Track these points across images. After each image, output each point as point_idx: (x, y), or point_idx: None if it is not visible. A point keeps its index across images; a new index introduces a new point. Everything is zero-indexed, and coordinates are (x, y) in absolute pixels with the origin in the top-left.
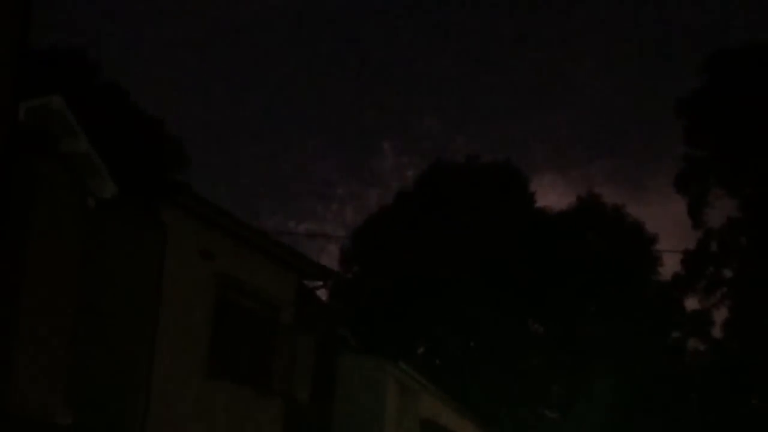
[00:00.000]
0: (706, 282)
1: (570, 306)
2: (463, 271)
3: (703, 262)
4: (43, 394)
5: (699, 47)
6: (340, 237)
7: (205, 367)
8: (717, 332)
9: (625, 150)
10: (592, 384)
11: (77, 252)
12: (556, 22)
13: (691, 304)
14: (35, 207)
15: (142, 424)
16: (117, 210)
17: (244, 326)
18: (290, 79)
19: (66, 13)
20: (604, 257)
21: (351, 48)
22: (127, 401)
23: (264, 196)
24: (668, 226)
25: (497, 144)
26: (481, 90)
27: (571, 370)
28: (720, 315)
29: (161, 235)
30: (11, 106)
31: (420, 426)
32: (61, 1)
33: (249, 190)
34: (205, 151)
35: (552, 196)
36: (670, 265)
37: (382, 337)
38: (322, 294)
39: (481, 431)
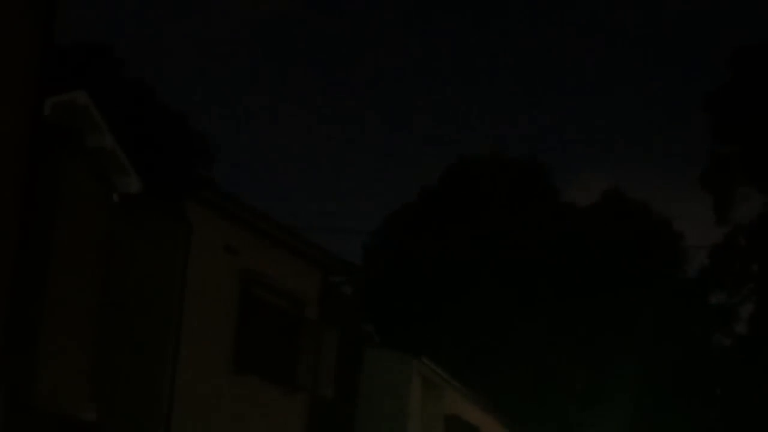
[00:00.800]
0: (733, 277)
1: (595, 301)
2: (487, 266)
3: (730, 257)
4: (68, 389)
5: (727, 41)
6: (363, 232)
7: (230, 363)
8: (743, 328)
9: (652, 146)
10: (616, 380)
11: (102, 247)
12: (585, 17)
13: (717, 299)
14: (60, 202)
15: (167, 418)
16: (142, 205)
17: (269, 322)
18: (321, 72)
19: (91, 9)
20: (629, 253)
21: (381, 39)
22: (152, 396)
23: (293, 191)
24: (695, 223)
25: (525, 139)
26: (509, 84)
27: (595, 366)
28: (746, 310)
29: (186, 231)
30: (37, 102)
31: (444, 421)
32: None
33: (278, 186)
34: (233, 147)
35: (577, 191)
36: (696, 261)
37: (406, 333)
38: (347, 290)
39: (505, 427)
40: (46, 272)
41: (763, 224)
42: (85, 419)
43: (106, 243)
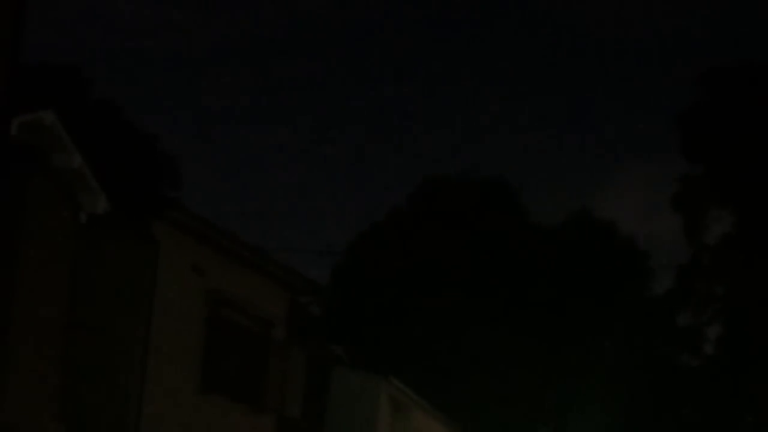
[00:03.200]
0: (699, 297)
1: (562, 321)
2: (455, 286)
3: (696, 277)
4: (34, 409)
5: (697, 60)
6: (333, 253)
7: (197, 383)
8: (710, 349)
9: (620, 164)
10: (584, 399)
11: (68, 267)
12: (552, 35)
13: (685, 320)
14: (26, 222)
15: None
16: (109, 225)
17: (236, 342)
18: (287, 94)
19: (60, 29)
20: (595, 272)
21: (347, 59)
22: (119, 415)
23: (262, 213)
24: (664, 242)
25: (492, 158)
26: (476, 104)
27: (563, 386)
28: (714, 331)
29: (153, 251)
30: (3, 121)
31: None
32: (54, 18)
33: (246, 207)
34: (202, 169)
35: (545, 211)
36: (664, 281)
37: (374, 353)
38: (315, 310)
39: None
40: (12, 291)
41: (727, 244)
42: None
43: (72, 263)
